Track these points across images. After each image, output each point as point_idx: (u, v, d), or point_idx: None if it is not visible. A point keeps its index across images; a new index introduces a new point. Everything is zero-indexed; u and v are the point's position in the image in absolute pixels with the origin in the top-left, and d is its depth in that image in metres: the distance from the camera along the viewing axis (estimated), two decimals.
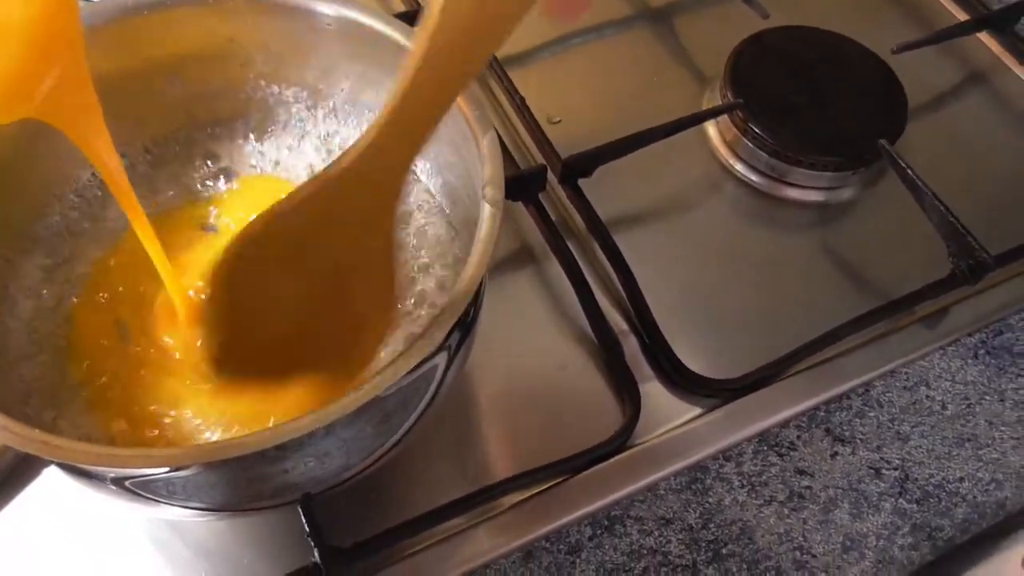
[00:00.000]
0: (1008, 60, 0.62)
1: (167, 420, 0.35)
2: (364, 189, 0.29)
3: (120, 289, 0.38)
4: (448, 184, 0.41)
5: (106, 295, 0.38)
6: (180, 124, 0.42)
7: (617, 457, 0.43)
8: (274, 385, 0.34)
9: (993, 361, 0.48)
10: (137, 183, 0.36)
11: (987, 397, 0.47)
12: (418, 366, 0.29)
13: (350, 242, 0.31)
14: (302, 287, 0.32)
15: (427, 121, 0.28)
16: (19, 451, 0.27)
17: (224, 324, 0.32)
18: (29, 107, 0.29)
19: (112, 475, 0.30)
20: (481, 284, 0.33)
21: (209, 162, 0.43)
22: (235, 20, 0.38)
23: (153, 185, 0.42)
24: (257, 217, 0.30)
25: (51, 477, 0.30)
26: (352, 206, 0.29)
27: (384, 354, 0.36)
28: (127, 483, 0.30)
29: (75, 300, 0.38)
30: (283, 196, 0.30)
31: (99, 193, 0.41)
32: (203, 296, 0.31)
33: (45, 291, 0.38)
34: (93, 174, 0.41)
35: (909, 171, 0.50)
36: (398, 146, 0.28)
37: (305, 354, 0.33)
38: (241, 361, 0.33)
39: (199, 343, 0.35)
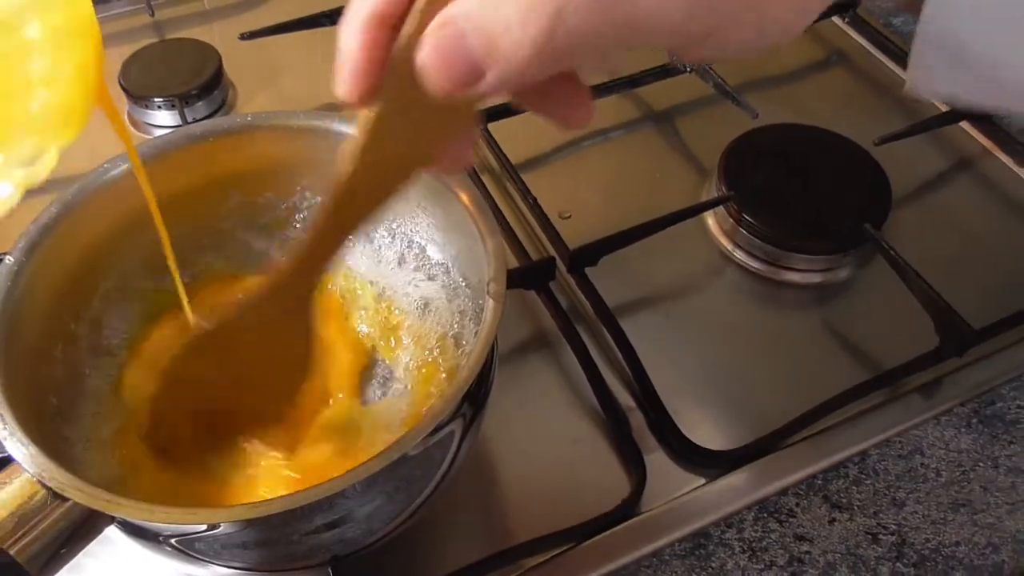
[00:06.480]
0: (989, 145, 0.66)
1: None
2: (283, 300, 0.38)
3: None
4: (467, 279, 0.46)
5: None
6: (237, 227, 0.49)
7: (624, 524, 0.46)
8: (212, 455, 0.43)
9: (986, 429, 0.51)
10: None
11: (981, 464, 0.49)
12: (432, 433, 0.34)
13: (276, 335, 0.39)
14: (241, 369, 0.41)
15: (322, 255, 0.36)
16: (85, 508, 0.32)
17: (174, 404, 0.41)
18: None
19: (164, 533, 0.35)
20: (486, 363, 0.37)
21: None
22: (280, 143, 0.45)
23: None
24: (201, 325, 0.39)
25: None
26: (275, 310, 0.38)
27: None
28: (173, 540, 0.35)
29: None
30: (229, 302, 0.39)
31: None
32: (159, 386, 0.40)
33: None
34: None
35: (892, 252, 0.54)
36: (306, 270, 0.36)
37: (245, 424, 0.43)
38: (185, 438, 0.42)
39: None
